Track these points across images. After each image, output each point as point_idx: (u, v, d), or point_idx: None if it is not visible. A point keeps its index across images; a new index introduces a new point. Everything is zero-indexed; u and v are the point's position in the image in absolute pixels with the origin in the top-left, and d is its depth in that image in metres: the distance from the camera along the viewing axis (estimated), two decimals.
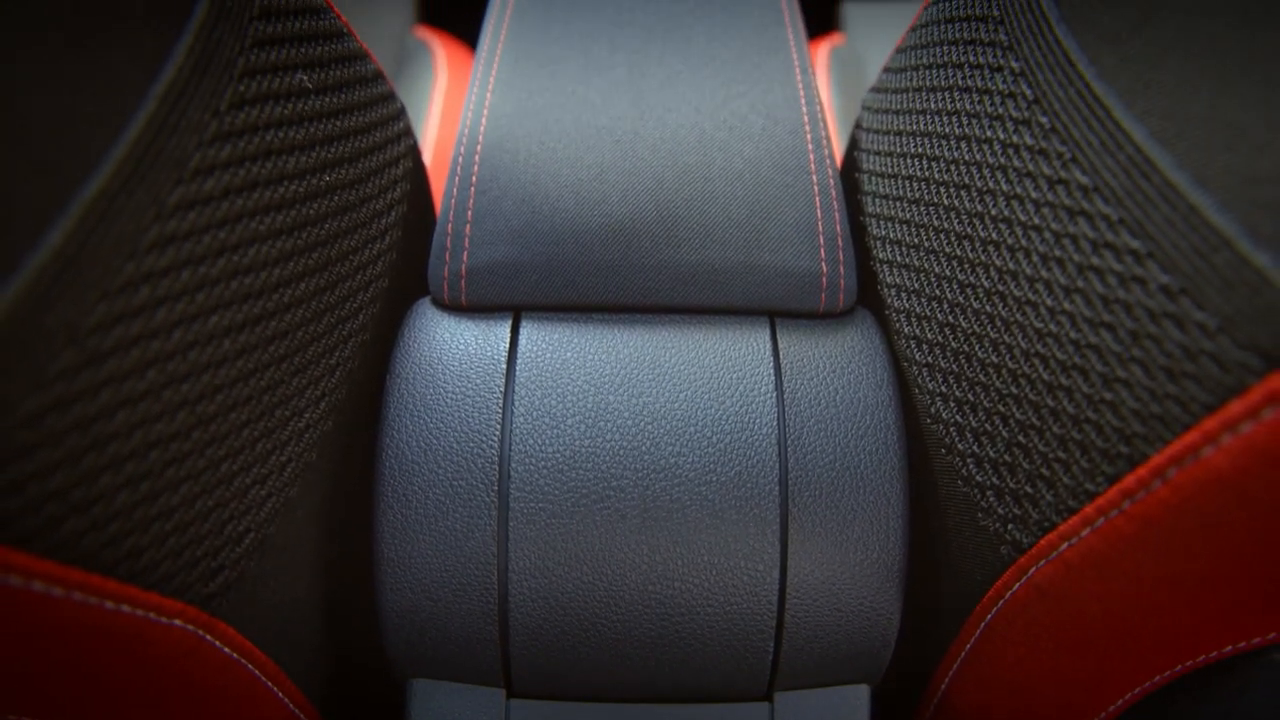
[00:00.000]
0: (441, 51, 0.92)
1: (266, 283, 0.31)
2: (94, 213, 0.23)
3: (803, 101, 0.44)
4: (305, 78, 0.33)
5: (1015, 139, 0.30)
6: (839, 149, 0.77)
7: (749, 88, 0.44)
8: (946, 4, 0.38)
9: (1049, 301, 0.29)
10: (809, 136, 0.42)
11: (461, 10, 1.56)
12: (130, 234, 0.24)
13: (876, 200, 0.42)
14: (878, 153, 0.42)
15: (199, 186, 0.27)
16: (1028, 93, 0.30)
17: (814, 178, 0.41)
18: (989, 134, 0.32)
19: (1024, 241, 0.30)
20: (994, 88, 0.32)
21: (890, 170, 0.40)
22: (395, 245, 0.41)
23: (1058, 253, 0.28)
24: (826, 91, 0.87)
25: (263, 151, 0.30)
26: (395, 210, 0.41)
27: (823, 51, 0.94)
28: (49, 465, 0.22)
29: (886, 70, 0.44)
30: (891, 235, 0.40)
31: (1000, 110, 0.31)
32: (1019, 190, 0.30)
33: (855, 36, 0.98)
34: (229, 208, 0.28)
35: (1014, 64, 0.31)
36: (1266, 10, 0.22)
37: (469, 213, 0.40)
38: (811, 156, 0.42)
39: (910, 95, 0.40)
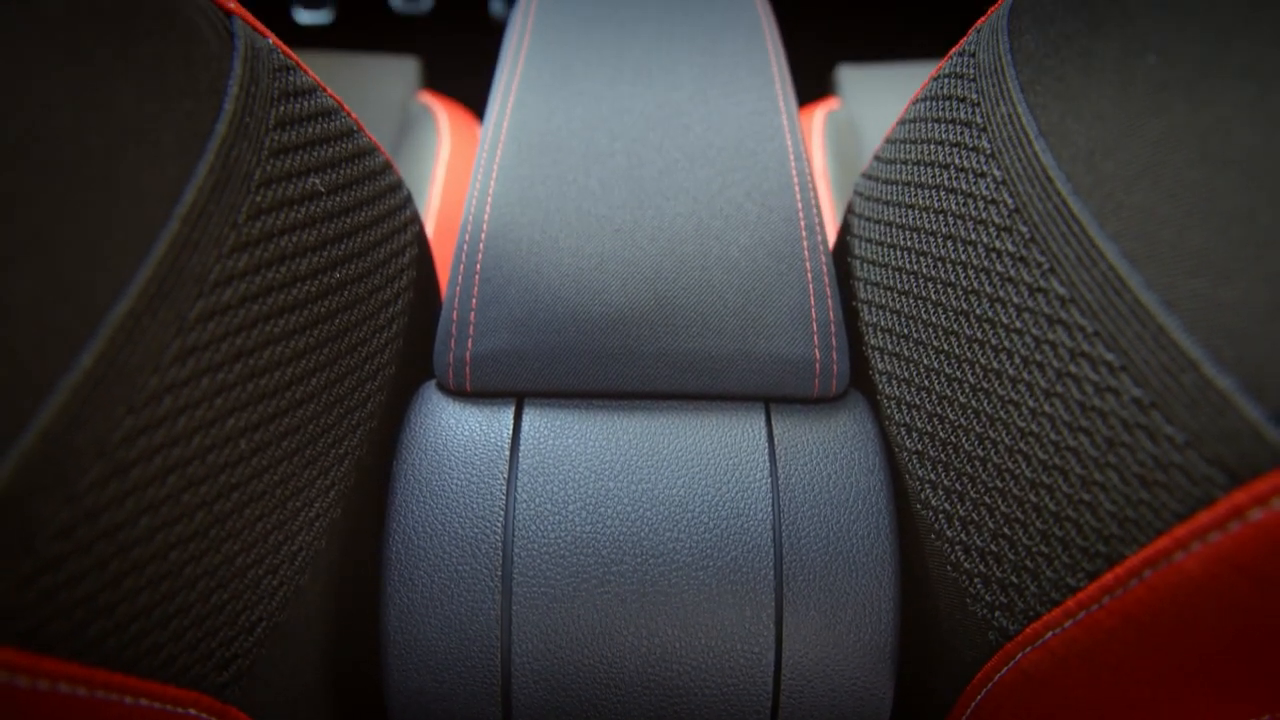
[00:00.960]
0: (445, 117, 0.94)
1: (280, 382, 0.32)
2: (122, 333, 0.24)
3: (796, 188, 0.45)
4: (318, 181, 0.34)
5: (998, 244, 0.32)
6: (833, 219, 0.79)
7: (744, 175, 0.46)
8: (934, 103, 0.39)
9: (1030, 402, 0.30)
10: (802, 223, 0.44)
11: (462, 78, 1.59)
12: (155, 350, 0.26)
13: (868, 287, 0.43)
14: (869, 240, 0.44)
15: (218, 298, 0.28)
16: (1009, 201, 0.31)
17: (807, 264, 0.42)
18: (973, 236, 0.33)
19: (1006, 343, 0.31)
20: (978, 193, 0.33)
21: (881, 259, 0.42)
22: (401, 332, 0.42)
23: (1038, 357, 0.30)
24: (822, 158, 0.88)
25: (277, 257, 0.32)
26: (402, 298, 0.42)
27: (818, 116, 0.96)
28: (78, 574, 0.24)
29: (877, 159, 0.46)
30: (882, 323, 0.41)
31: (984, 215, 0.33)
32: (1001, 294, 0.32)
33: (850, 100, 1.00)
34: (245, 314, 0.30)
35: (996, 172, 0.32)
36: (1225, 141, 0.23)
37: (473, 300, 0.41)
38: (805, 243, 0.43)
39: (900, 188, 0.41)
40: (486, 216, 0.44)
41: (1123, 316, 0.26)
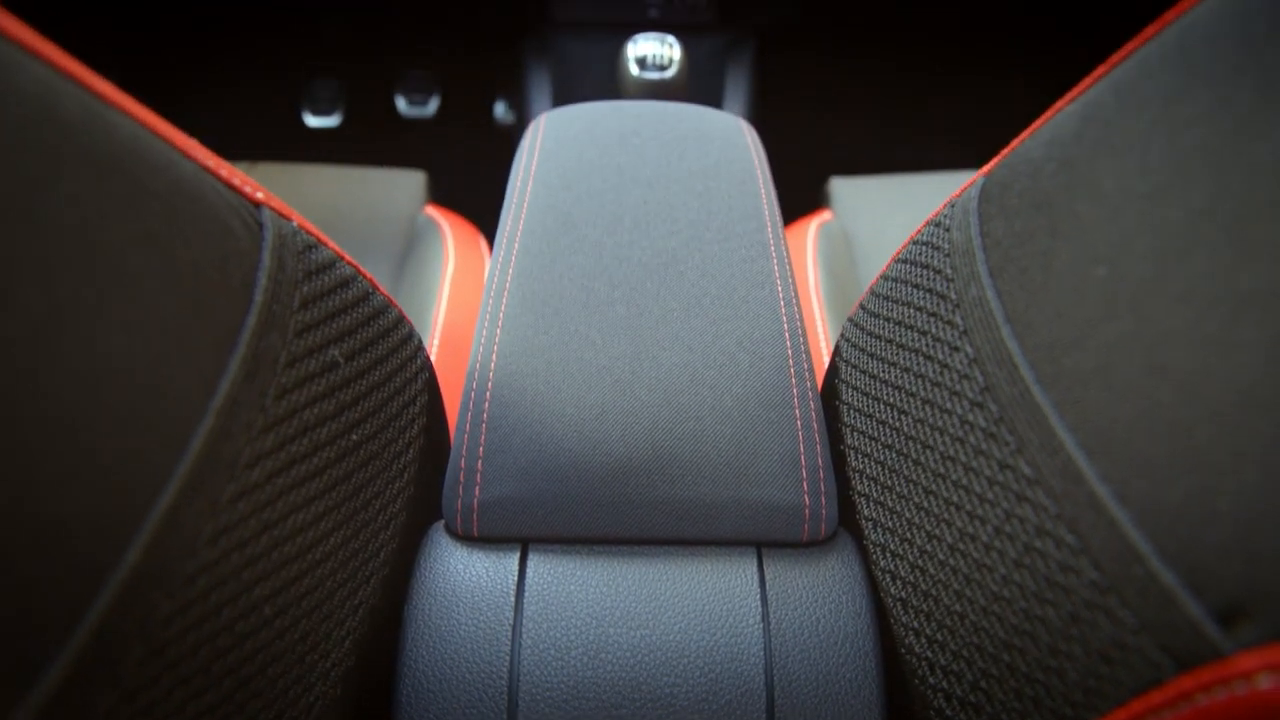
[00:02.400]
0: (450, 232, 0.97)
1: (302, 546, 0.34)
2: (163, 526, 0.27)
3: (786, 334, 0.48)
4: (337, 352, 0.37)
5: (971, 418, 0.34)
6: (826, 337, 0.82)
7: (736, 324, 0.48)
8: (914, 268, 0.42)
9: (1002, 569, 0.32)
10: (792, 371, 0.46)
11: (466, 194, 1.63)
12: (191, 537, 0.28)
13: (854, 433, 0.45)
14: (855, 388, 0.46)
15: (248, 478, 0.31)
16: (980, 379, 0.34)
17: (797, 412, 0.45)
18: (949, 406, 0.36)
19: (980, 511, 0.33)
20: (953, 365, 0.36)
21: (866, 409, 0.44)
22: (413, 478, 0.44)
23: (1008, 529, 0.32)
24: (815, 273, 0.91)
25: (301, 430, 0.34)
26: (413, 446, 0.44)
27: (812, 229, 1.00)
28: None
29: (863, 309, 0.48)
30: (868, 470, 0.43)
31: (958, 388, 0.35)
32: (975, 464, 0.34)
33: (841, 212, 1.04)
34: (272, 489, 0.32)
35: (969, 349, 0.35)
36: (1166, 357, 0.26)
37: (480, 448, 0.44)
38: (795, 391, 0.46)
39: (883, 344, 0.44)
40: (493, 366, 0.46)
41: (1081, 504, 0.28)
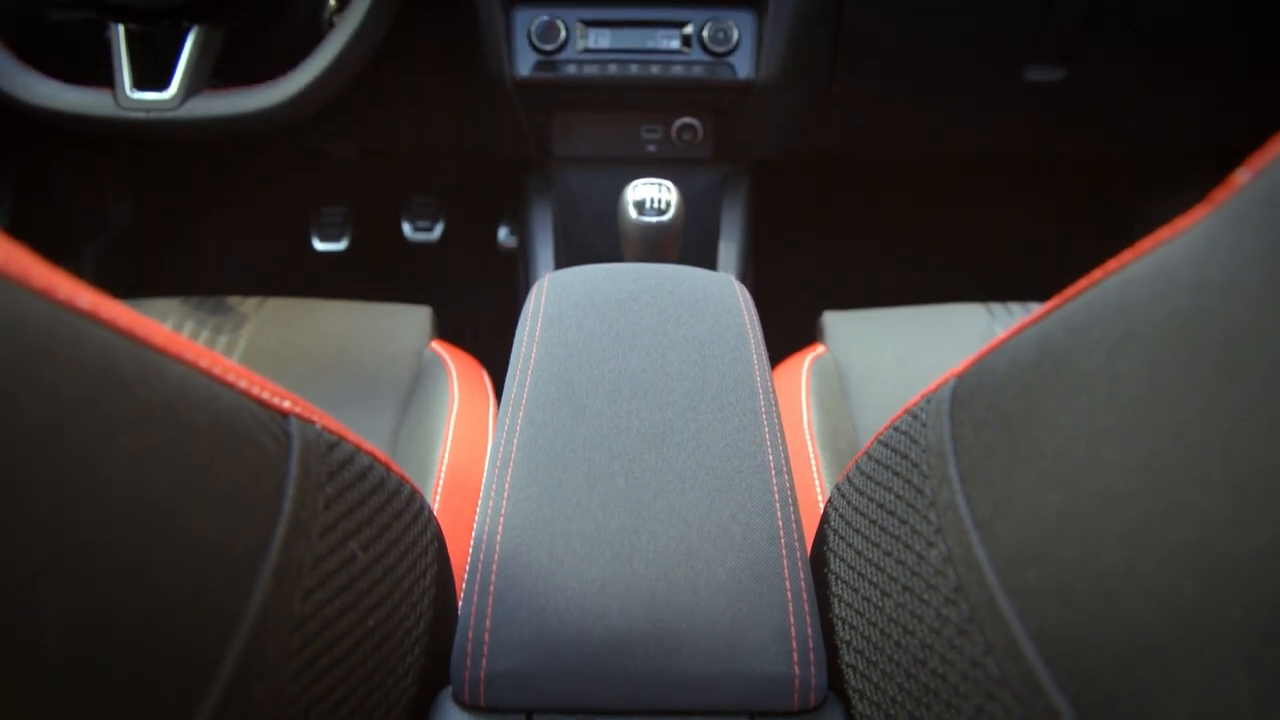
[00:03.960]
0: (455, 370, 1.01)
1: None
2: None
3: (777, 504, 0.51)
4: (356, 545, 0.40)
5: (945, 612, 0.37)
6: (820, 480, 0.84)
7: (730, 495, 0.51)
8: (894, 455, 0.45)
9: None
10: (783, 542, 0.49)
11: (469, 317, 1.68)
12: None
13: (842, 604, 0.48)
14: (842, 559, 0.49)
15: (275, 680, 0.33)
16: (953, 578, 0.37)
17: (788, 584, 0.47)
18: (927, 597, 0.38)
19: (954, 700, 0.36)
20: (929, 559, 0.39)
21: (852, 583, 0.47)
22: (424, 651, 0.47)
23: None
24: (807, 411, 0.95)
25: (322, 625, 0.36)
26: (424, 620, 0.47)
27: (805, 365, 1.03)
28: None
29: (849, 482, 0.51)
30: (854, 644, 0.46)
31: (934, 582, 0.38)
32: (949, 657, 0.36)
33: (834, 346, 1.07)
34: (296, 686, 0.34)
35: (942, 547, 0.38)
36: (1115, 580, 0.28)
37: (488, 620, 0.46)
38: (785, 563, 0.48)
39: (868, 523, 0.46)
40: (499, 539, 0.49)
41: (1040, 712, 0.31)
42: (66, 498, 0.25)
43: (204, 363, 0.33)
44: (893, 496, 0.44)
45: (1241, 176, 0.27)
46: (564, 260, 1.41)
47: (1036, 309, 1.07)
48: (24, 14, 1.26)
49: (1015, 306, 1.13)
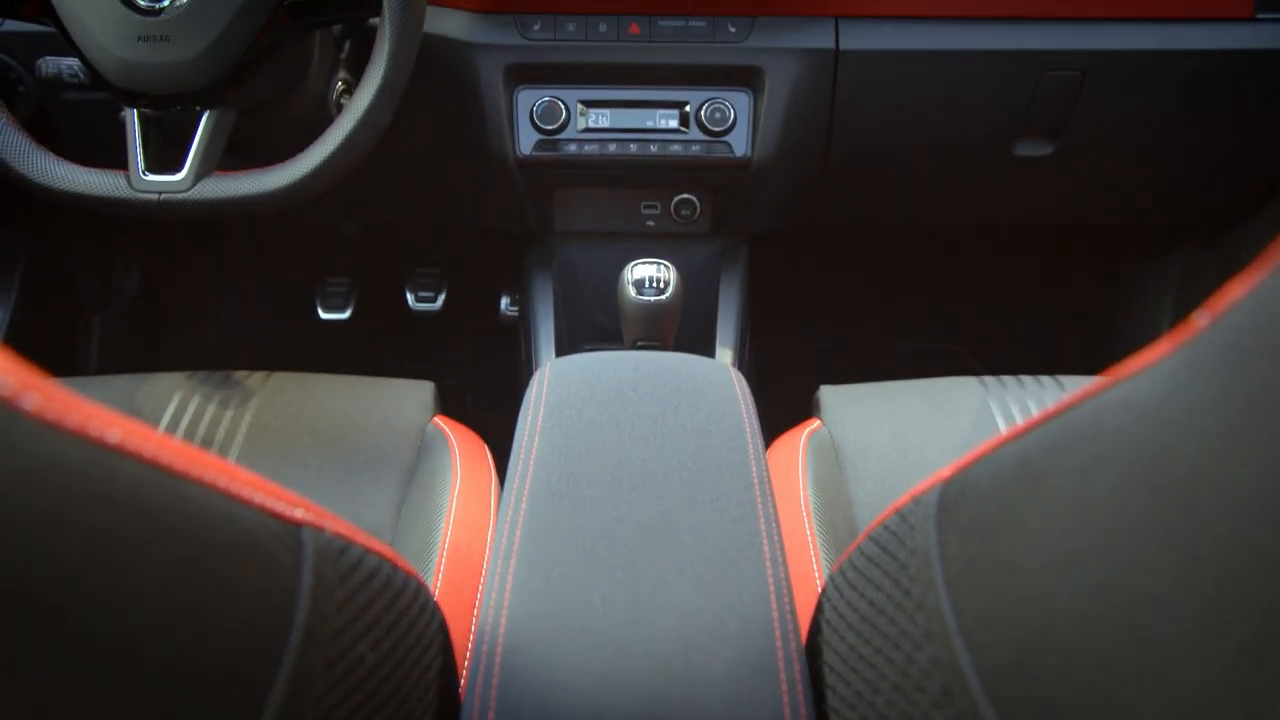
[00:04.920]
0: (457, 446, 1.02)
1: None
2: None
3: (772, 596, 0.52)
4: (365, 647, 0.41)
5: (933, 715, 0.38)
6: (816, 562, 0.86)
7: (726, 588, 0.52)
8: (883, 554, 0.47)
9: None
10: (778, 634, 0.50)
11: (470, 399, 1.70)
12: None
13: (835, 696, 0.49)
14: (836, 652, 0.50)
15: None
16: (938, 681, 0.38)
17: (783, 676, 0.49)
18: (915, 698, 0.40)
19: None
20: (917, 661, 0.40)
21: (845, 676, 0.48)
22: None
23: None
24: (804, 489, 0.96)
25: None
26: (428, 714, 0.48)
27: (802, 441, 1.05)
28: None
29: (842, 574, 0.52)
30: None
31: (922, 684, 0.39)
32: None
33: (831, 421, 1.09)
34: None
35: (929, 650, 0.39)
36: (1087, 705, 0.30)
37: (491, 714, 0.47)
38: (780, 655, 0.50)
39: (859, 618, 0.48)
40: (502, 633, 0.50)
41: None
42: (99, 623, 0.27)
43: (222, 481, 0.35)
44: (883, 596, 0.45)
45: (1201, 319, 0.29)
46: (564, 331, 1.43)
47: (1029, 381, 1.08)
48: (41, 94, 1.30)
49: (1009, 380, 1.14)
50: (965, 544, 0.39)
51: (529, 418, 0.65)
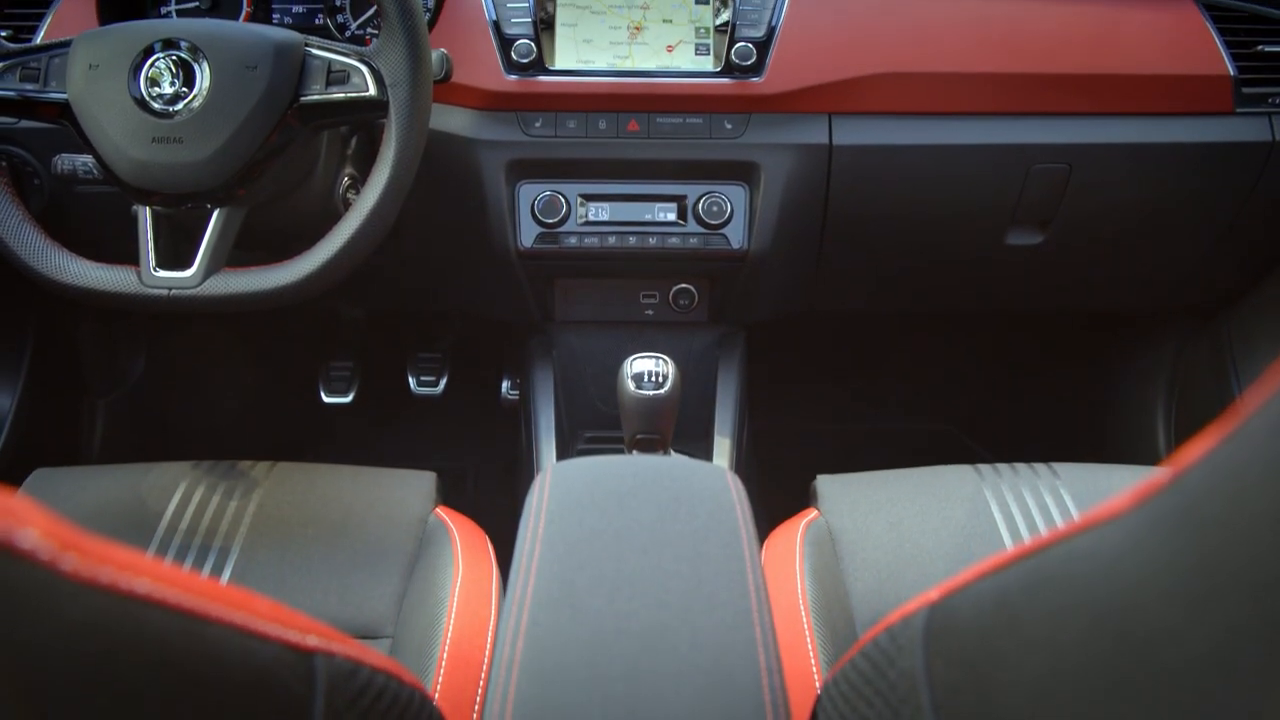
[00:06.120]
0: (459, 539, 1.04)
1: None
2: None
3: (768, 707, 0.53)
4: None
5: None
6: (815, 658, 0.87)
7: (723, 699, 0.53)
8: (874, 669, 0.48)
9: None
10: None
11: (471, 481, 1.71)
12: None
13: None
14: None
15: None
16: None
17: None
18: None
19: None
20: None
21: None
22: None
23: None
24: (801, 583, 0.97)
25: None
26: None
27: (799, 532, 1.06)
28: None
29: (836, 685, 0.54)
30: None
31: None
32: None
33: (828, 511, 1.10)
34: None
35: None
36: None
37: None
38: None
39: None
40: None
41: None
42: None
43: (239, 618, 0.36)
44: (874, 713, 0.47)
45: (1162, 477, 0.30)
46: (565, 418, 1.45)
47: (1024, 469, 1.10)
48: (55, 188, 1.33)
49: (1004, 468, 1.16)
50: (949, 671, 0.40)
51: (530, 524, 0.67)
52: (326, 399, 1.79)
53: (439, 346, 1.83)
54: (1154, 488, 0.31)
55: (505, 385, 1.65)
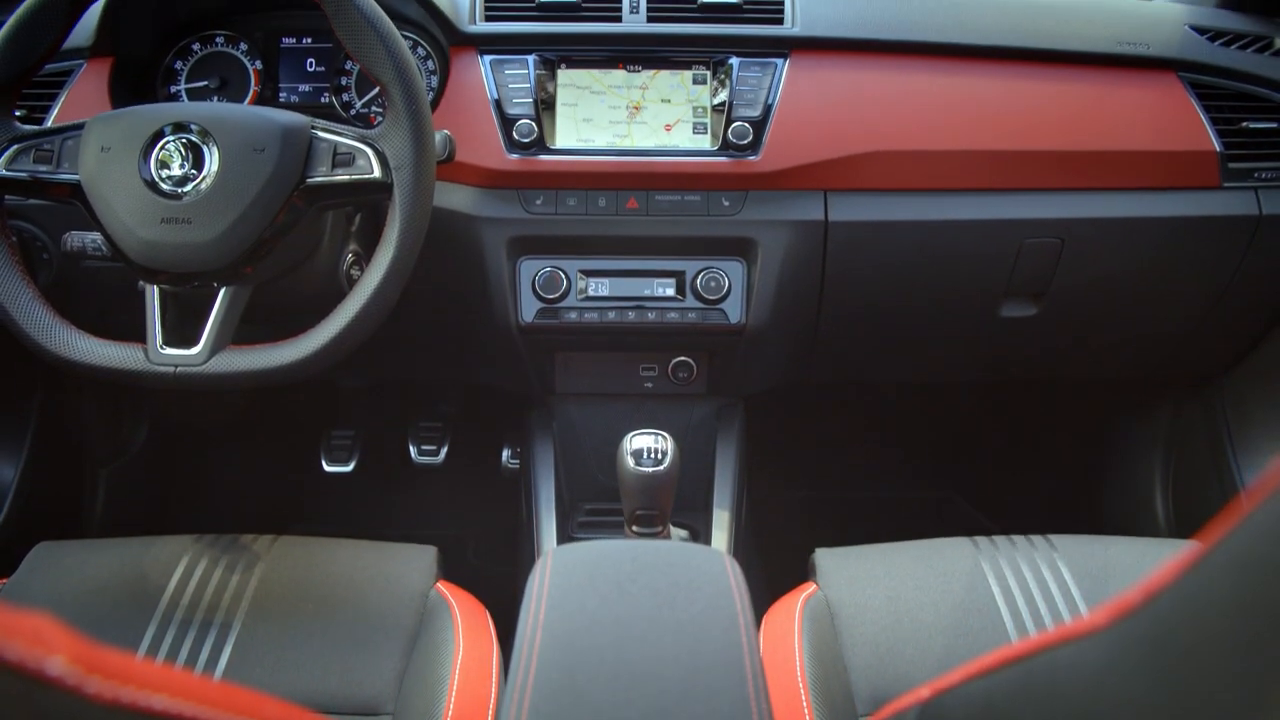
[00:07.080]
0: (460, 615, 1.04)
1: None
2: None
3: None
4: None
5: None
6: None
7: None
8: None
9: None
10: None
11: (471, 549, 1.72)
12: None
13: None
14: None
15: None
16: None
17: None
18: None
19: None
20: None
21: None
22: None
23: None
24: (800, 656, 0.98)
25: None
26: None
27: (798, 607, 1.07)
28: None
29: None
30: None
31: None
32: None
33: (826, 584, 1.11)
34: None
35: None
36: None
37: None
38: None
39: None
40: None
41: None
42: None
43: None
44: None
45: (1135, 596, 0.32)
46: (564, 488, 1.46)
47: (1020, 541, 1.11)
48: (63, 263, 1.35)
49: (1000, 540, 1.17)
50: None
51: (531, 610, 0.68)
52: (328, 467, 1.80)
53: (440, 415, 1.85)
54: (1127, 607, 0.32)
55: (506, 454, 1.66)
